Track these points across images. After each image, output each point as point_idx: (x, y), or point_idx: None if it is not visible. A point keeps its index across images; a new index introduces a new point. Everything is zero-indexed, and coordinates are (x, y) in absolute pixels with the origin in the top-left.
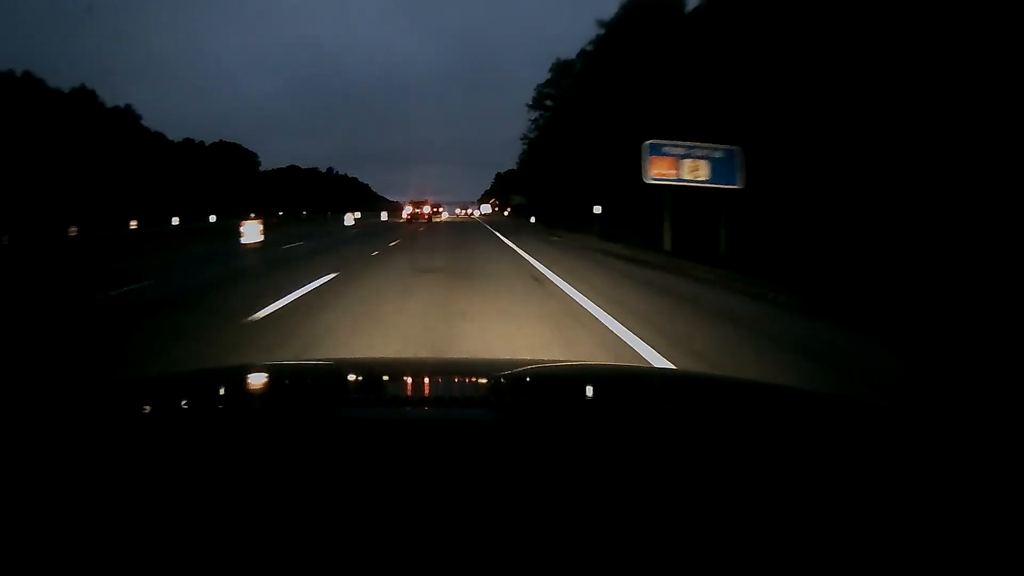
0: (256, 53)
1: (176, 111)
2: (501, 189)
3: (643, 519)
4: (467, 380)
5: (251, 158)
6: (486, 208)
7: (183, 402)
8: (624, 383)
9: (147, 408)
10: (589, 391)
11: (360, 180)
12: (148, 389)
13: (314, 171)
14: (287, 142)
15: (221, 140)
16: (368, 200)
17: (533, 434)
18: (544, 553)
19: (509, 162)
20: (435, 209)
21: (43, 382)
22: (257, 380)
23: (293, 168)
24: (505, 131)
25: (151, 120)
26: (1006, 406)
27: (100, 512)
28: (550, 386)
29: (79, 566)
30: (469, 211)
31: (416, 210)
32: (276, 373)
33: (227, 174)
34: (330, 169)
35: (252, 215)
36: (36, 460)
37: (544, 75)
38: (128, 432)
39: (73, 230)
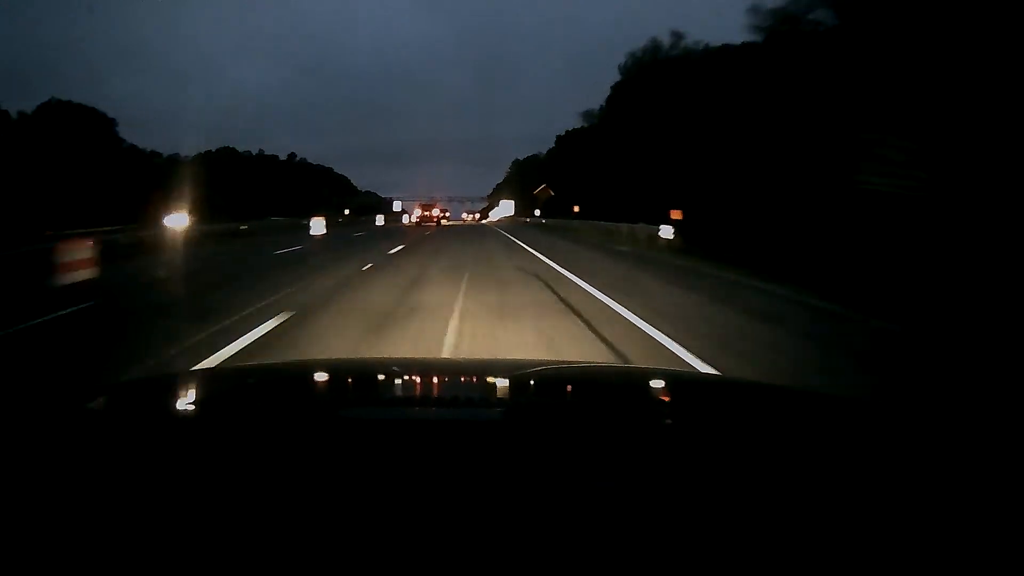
0: (244, 38)
1: (158, 104)
2: (527, 181)
3: (644, 521)
4: (470, 380)
5: (106, 128)
6: (507, 207)
7: (184, 403)
8: (628, 384)
9: (148, 409)
10: (591, 393)
11: (336, 171)
12: (149, 390)
13: (260, 157)
14: (269, 135)
15: (53, 99)
16: (348, 196)
17: (533, 435)
18: (544, 554)
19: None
20: (444, 213)
21: (46, 383)
22: (258, 381)
23: (226, 152)
24: (514, 127)
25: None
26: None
27: (100, 512)
28: (552, 387)
29: (80, 566)
30: (476, 215)
31: (425, 213)
32: (277, 373)
33: (55, 150)
34: (292, 156)
35: None
36: (36, 460)
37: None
38: (129, 433)
39: None
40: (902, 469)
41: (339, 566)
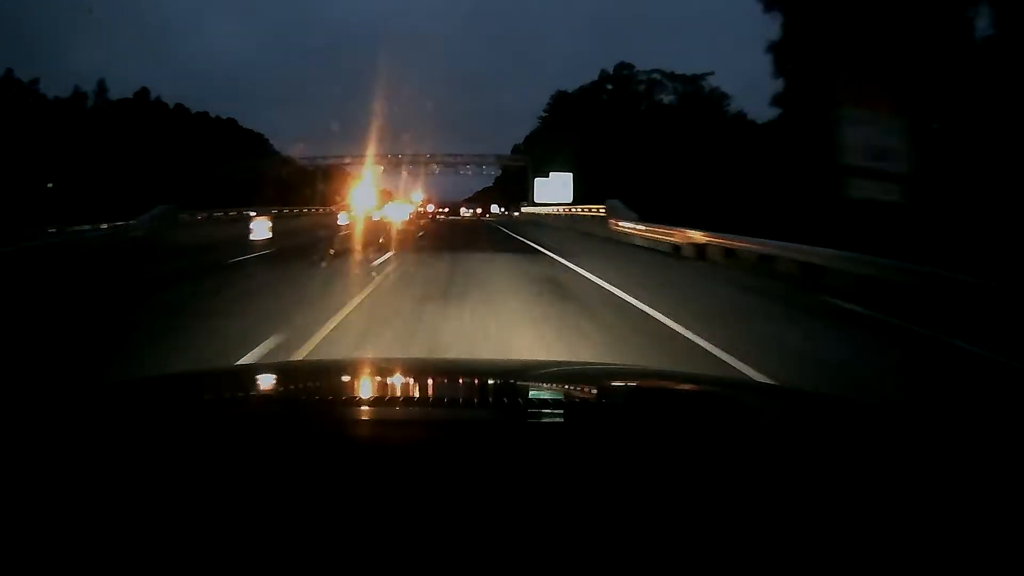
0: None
1: (126, 72)
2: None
3: (645, 525)
4: (472, 381)
5: None
6: (563, 189)
7: (183, 403)
8: (630, 385)
9: (149, 409)
10: (594, 394)
11: (242, 124)
12: (149, 390)
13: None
14: (241, 101)
15: None
16: (255, 154)
17: (533, 437)
18: (545, 557)
19: (512, 141)
20: (442, 209)
21: (43, 382)
22: (258, 380)
23: (7, 84)
24: (516, 99)
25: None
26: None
27: (98, 513)
28: (554, 388)
29: (79, 566)
30: (479, 209)
31: (421, 209)
32: (278, 374)
33: None
34: (144, 92)
35: None
36: (33, 462)
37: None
38: (127, 433)
39: None
40: (904, 471)
41: (339, 567)
